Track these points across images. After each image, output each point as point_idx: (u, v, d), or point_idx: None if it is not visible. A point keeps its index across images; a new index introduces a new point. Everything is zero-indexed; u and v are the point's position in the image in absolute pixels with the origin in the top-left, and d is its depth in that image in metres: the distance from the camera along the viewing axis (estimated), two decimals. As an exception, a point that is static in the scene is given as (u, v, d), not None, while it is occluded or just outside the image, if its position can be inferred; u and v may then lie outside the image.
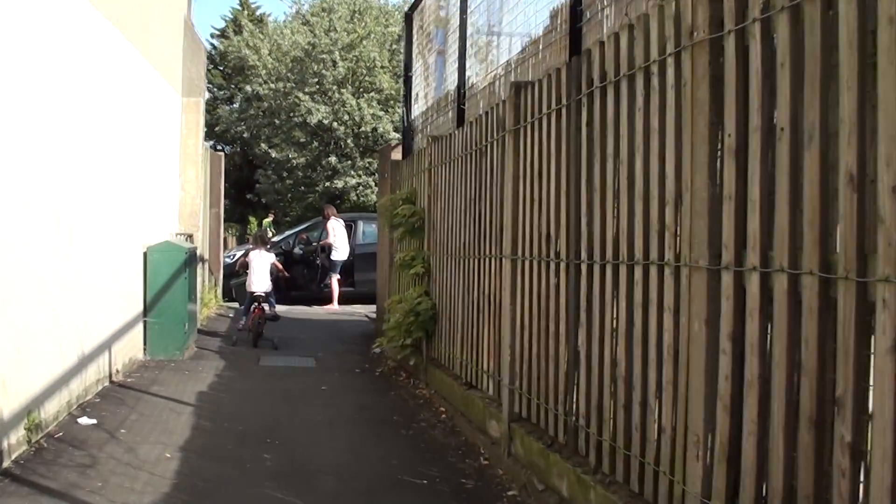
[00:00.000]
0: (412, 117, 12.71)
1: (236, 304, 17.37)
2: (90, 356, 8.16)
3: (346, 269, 19.84)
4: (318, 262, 18.88)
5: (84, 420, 7.22)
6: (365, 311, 17.89)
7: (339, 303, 18.97)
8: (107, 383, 8.81)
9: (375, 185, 31.03)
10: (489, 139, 7.30)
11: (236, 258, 19.83)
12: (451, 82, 10.52)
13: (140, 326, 10.41)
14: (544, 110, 5.77)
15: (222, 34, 51.03)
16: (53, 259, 7.02)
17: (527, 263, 6.14)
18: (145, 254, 10.53)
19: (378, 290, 13.90)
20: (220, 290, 16.98)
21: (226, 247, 41.49)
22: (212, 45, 53.71)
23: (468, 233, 8.00)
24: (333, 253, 17.63)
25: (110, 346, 8.96)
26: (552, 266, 5.59)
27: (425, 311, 9.39)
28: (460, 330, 8.25)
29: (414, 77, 12.75)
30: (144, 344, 10.58)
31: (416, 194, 10.45)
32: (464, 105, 9.59)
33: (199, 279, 13.91)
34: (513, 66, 8.15)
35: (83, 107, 7.84)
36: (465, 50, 9.56)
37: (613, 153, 4.67)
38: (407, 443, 7.11)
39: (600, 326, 4.82)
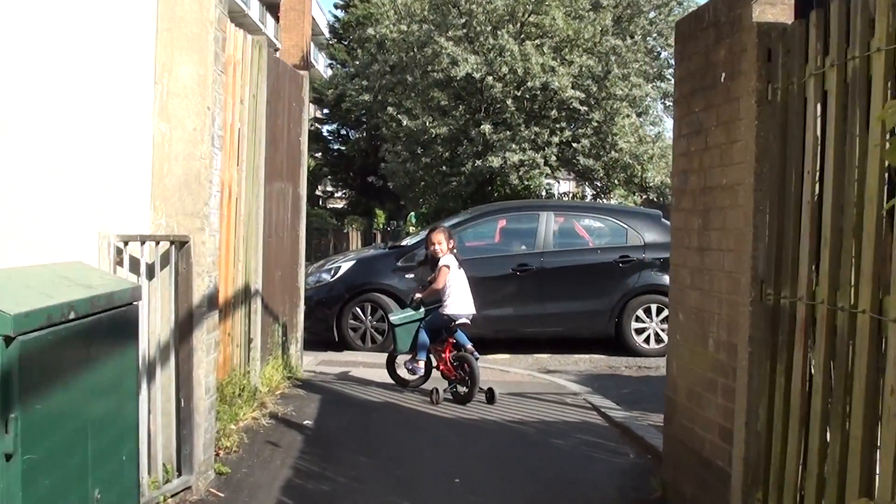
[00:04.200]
0: None
1: (337, 367, 9.08)
2: None
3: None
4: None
5: None
6: (560, 371, 9.54)
7: (504, 349, 11.31)
8: None
9: (545, 162, 22.26)
10: None
11: (338, 274, 11.69)
12: None
13: None
14: None
15: (347, 5, 43.84)
16: None
17: None
18: None
19: (672, 370, 5.39)
20: (298, 348, 8.58)
21: (340, 248, 33.60)
22: (335, 16, 46.72)
23: None
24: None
25: None
26: None
27: None
28: None
29: None
30: None
31: None
32: None
33: (241, 338, 5.64)
34: None
35: None
36: None
37: None
38: None
39: None
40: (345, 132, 46.67)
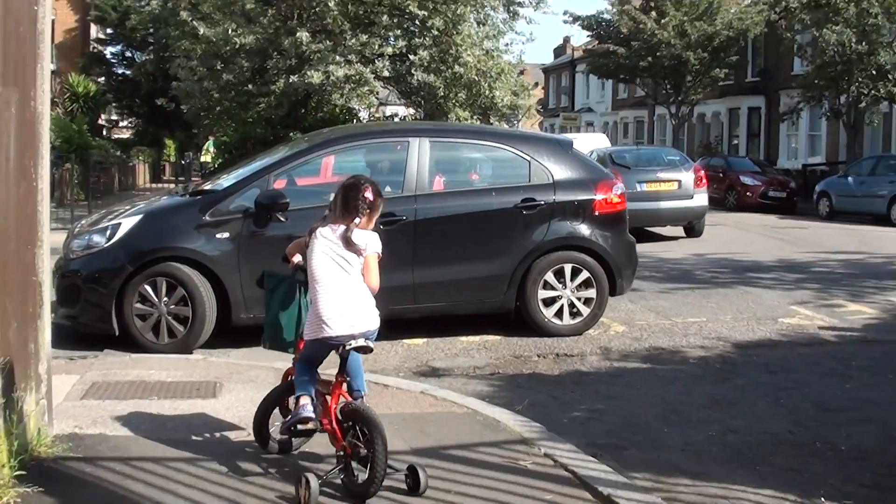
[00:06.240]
0: None
1: (116, 398, 5.30)
2: None
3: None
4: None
5: None
6: (450, 372, 6.57)
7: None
8: None
9: (376, 76, 18.57)
10: None
11: (118, 235, 8.01)
12: None
13: None
14: None
15: None
16: None
17: None
18: None
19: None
20: (41, 394, 4.67)
21: (126, 185, 28.89)
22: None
23: None
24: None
25: None
26: None
27: None
28: None
29: None
30: None
31: None
32: None
33: None
34: None
35: None
36: None
37: None
38: None
39: None
40: (130, 54, 41.79)
